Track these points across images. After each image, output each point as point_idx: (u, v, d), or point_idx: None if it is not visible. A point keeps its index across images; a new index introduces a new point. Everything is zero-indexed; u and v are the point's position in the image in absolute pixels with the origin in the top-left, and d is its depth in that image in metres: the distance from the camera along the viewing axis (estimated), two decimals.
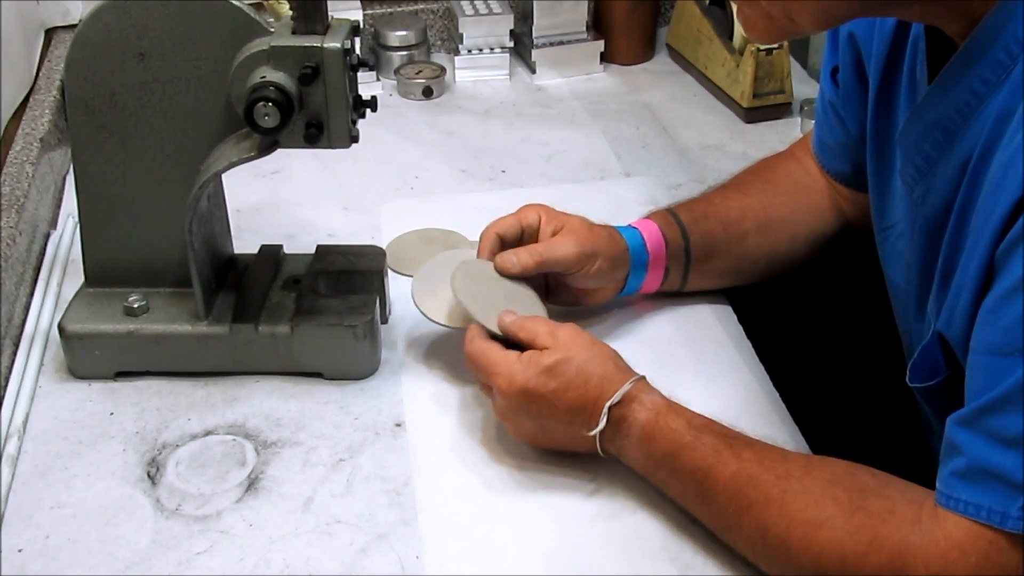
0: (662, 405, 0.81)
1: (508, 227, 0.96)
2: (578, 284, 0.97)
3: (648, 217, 1.02)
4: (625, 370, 0.84)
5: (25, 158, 1.15)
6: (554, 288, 1.00)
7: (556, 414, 0.83)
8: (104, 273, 0.97)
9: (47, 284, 1.07)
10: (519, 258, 0.93)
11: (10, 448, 0.89)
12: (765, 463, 0.76)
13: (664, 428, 0.80)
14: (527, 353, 0.84)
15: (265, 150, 0.88)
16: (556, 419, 0.83)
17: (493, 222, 0.97)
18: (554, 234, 0.96)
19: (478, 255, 0.96)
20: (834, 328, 1.18)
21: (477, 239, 1.15)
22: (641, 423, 0.81)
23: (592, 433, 0.82)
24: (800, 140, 1.12)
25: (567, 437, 0.84)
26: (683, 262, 1.01)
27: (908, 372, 0.80)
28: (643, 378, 0.84)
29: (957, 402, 0.70)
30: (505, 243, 0.96)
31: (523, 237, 0.96)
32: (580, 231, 0.95)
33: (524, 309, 0.91)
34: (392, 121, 1.41)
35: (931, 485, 0.71)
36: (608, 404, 0.81)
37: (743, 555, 0.77)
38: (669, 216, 1.01)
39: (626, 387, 0.82)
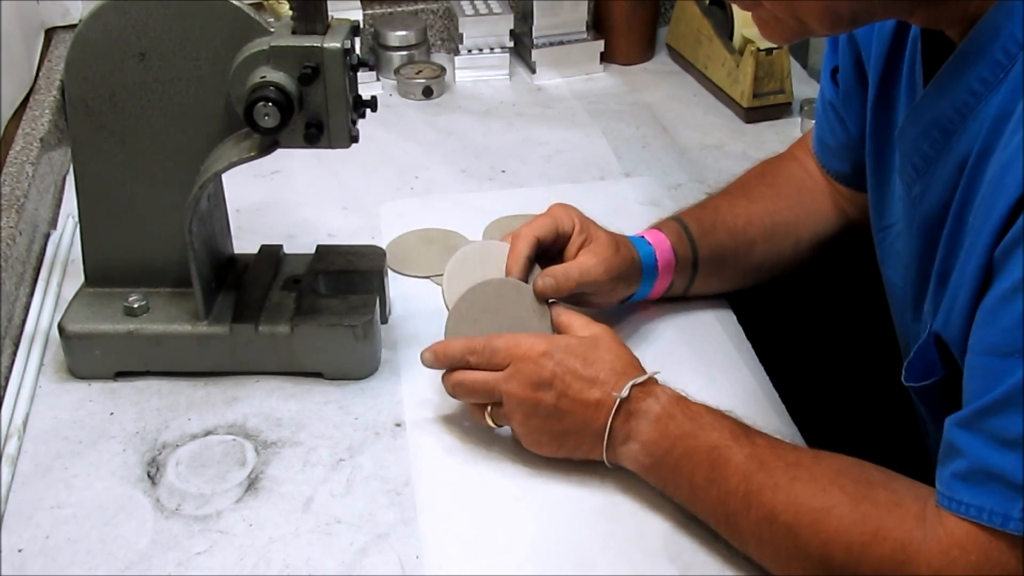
0: (681, 395, 0.83)
1: (545, 230, 0.94)
2: (588, 297, 0.96)
3: (659, 227, 1.01)
4: (645, 371, 0.85)
5: (25, 158, 1.15)
6: None
7: (578, 381, 0.83)
8: (104, 273, 0.98)
9: (47, 284, 1.07)
10: (558, 282, 0.92)
11: (10, 448, 0.89)
12: (776, 451, 0.78)
13: (685, 409, 0.82)
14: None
15: (265, 150, 0.88)
16: (577, 388, 0.83)
17: (528, 224, 0.94)
18: (582, 246, 0.95)
19: (512, 256, 0.93)
20: (833, 328, 1.18)
21: (478, 238, 1.16)
22: (662, 403, 0.82)
23: (614, 395, 0.82)
24: (799, 140, 1.12)
25: (582, 411, 0.83)
26: (690, 274, 1.01)
27: (904, 371, 0.80)
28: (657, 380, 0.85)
29: (952, 402, 0.70)
30: (540, 246, 0.94)
31: (555, 242, 0.95)
32: (607, 252, 0.94)
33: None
34: (392, 121, 1.41)
35: (926, 483, 0.71)
36: (632, 382, 0.82)
37: (747, 544, 0.77)
38: (680, 228, 1.01)
39: (648, 375, 0.83)
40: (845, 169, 1.01)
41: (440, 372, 0.94)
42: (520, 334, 0.86)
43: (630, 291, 0.99)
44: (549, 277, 0.92)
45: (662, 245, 0.99)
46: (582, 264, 0.93)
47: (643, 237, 0.99)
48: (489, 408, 0.87)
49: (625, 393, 0.82)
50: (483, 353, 0.86)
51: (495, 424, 0.88)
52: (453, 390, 0.89)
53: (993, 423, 0.65)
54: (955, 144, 0.74)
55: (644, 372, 0.84)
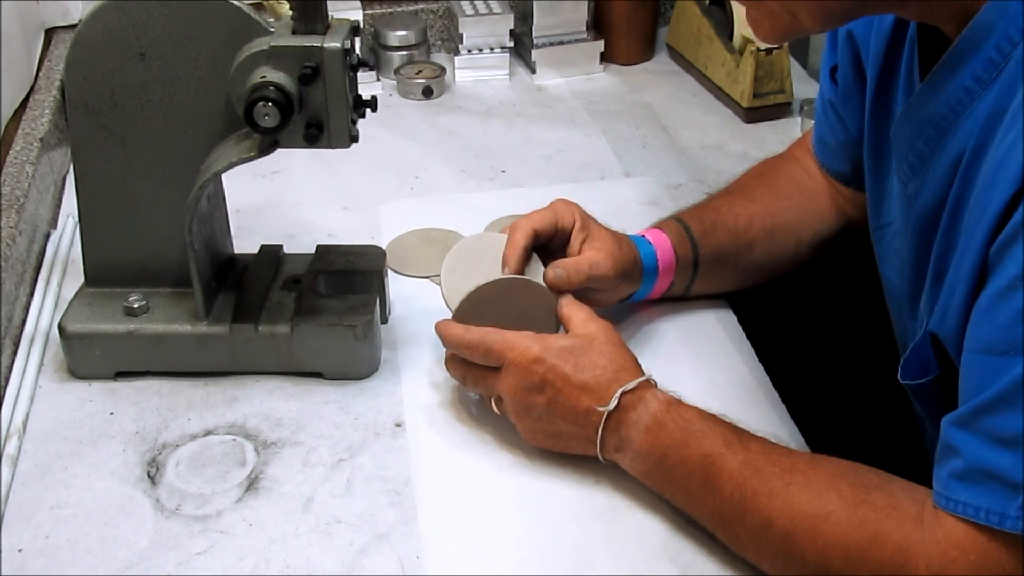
0: (673, 399, 0.83)
1: (544, 223, 0.94)
2: (592, 294, 0.96)
3: (660, 227, 1.01)
4: (640, 371, 0.85)
5: (25, 158, 1.15)
6: None
7: (568, 387, 0.83)
8: (104, 273, 0.98)
9: (47, 284, 1.07)
10: (568, 274, 0.92)
11: (10, 448, 0.89)
12: (771, 456, 0.77)
13: (676, 416, 0.81)
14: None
15: (265, 150, 0.88)
16: (567, 393, 0.83)
17: (527, 216, 0.95)
18: (583, 242, 0.95)
19: (509, 246, 0.93)
20: (832, 327, 1.18)
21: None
22: (652, 411, 0.81)
23: (601, 409, 0.82)
24: (799, 140, 1.12)
25: (572, 419, 0.83)
26: (690, 274, 1.01)
27: (900, 369, 0.80)
28: (652, 381, 0.85)
29: (948, 400, 0.70)
30: (539, 239, 0.94)
31: (555, 237, 0.95)
32: (612, 248, 0.94)
33: (538, 330, 0.89)
34: (392, 121, 1.41)
35: (925, 483, 0.71)
36: (621, 390, 0.82)
37: (744, 550, 0.77)
38: (680, 228, 1.00)
39: (641, 379, 0.83)
40: (845, 168, 1.01)
41: (438, 373, 0.94)
42: (515, 334, 0.86)
43: (632, 290, 0.99)
44: (560, 268, 0.92)
45: (663, 245, 0.98)
46: (591, 259, 0.93)
47: (644, 237, 0.99)
48: (493, 400, 0.89)
49: (613, 405, 0.81)
50: (477, 350, 0.86)
51: (500, 413, 0.89)
52: (461, 381, 0.91)
53: (989, 422, 0.65)
54: (949, 142, 0.74)
55: (638, 374, 0.84)
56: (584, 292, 0.94)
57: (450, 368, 0.91)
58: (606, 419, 0.82)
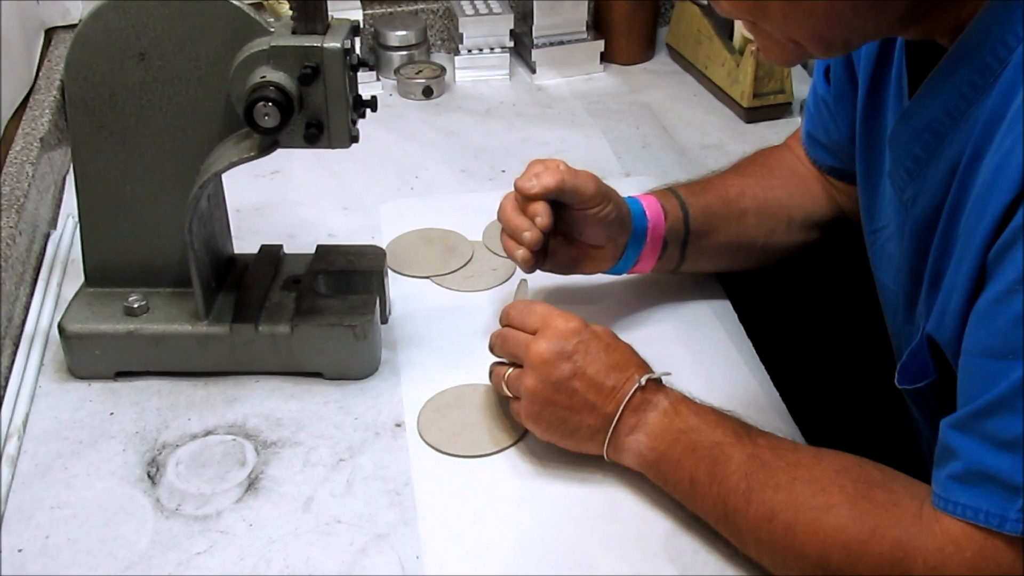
0: (686, 396, 0.84)
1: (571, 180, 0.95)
2: (586, 232, 0.96)
3: (645, 193, 1.02)
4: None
5: (25, 158, 1.15)
6: (553, 249, 0.99)
7: (598, 363, 0.83)
8: (104, 273, 0.98)
9: (47, 284, 1.07)
10: (540, 180, 0.93)
11: (10, 448, 0.89)
12: (777, 450, 0.78)
13: (691, 405, 0.83)
14: None
15: (265, 150, 0.88)
16: (596, 368, 0.83)
17: (532, 177, 0.94)
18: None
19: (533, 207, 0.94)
20: (828, 330, 1.18)
21: (478, 239, 1.16)
22: (671, 399, 0.83)
23: (637, 378, 0.83)
24: (795, 132, 1.12)
25: (596, 391, 0.83)
26: (682, 234, 1.01)
27: (897, 374, 0.80)
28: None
29: (945, 404, 0.70)
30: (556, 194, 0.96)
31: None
32: (594, 177, 0.96)
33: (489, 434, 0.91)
34: (392, 121, 1.41)
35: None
36: (648, 375, 0.83)
37: (745, 543, 0.77)
38: (667, 191, 1.02)
39: (662, 373, 0.84)
40: (835, 164, 1.02)
41: (438, 373, 0.94)
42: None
43: (623, 236, 0.98)
44: (532, 175, 0.94)
45: (648, 200, 1.00)
46: (571, 169, 0.95)
47: (627, 196, 1.00)
48: (508, 372, 0.87)
49: (643, 382, 0.83)
50: (521, 308, 0.88)
51: (509, 393, 0.88)
52: (493, 341, 0.90)
53: (988, 424, 0.65)
54: (946, 147, 0.74)
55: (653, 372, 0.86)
56: (578, 230, 0.96)
57: (493, 335, 0.91)
58: (630, 397, 0.82)
